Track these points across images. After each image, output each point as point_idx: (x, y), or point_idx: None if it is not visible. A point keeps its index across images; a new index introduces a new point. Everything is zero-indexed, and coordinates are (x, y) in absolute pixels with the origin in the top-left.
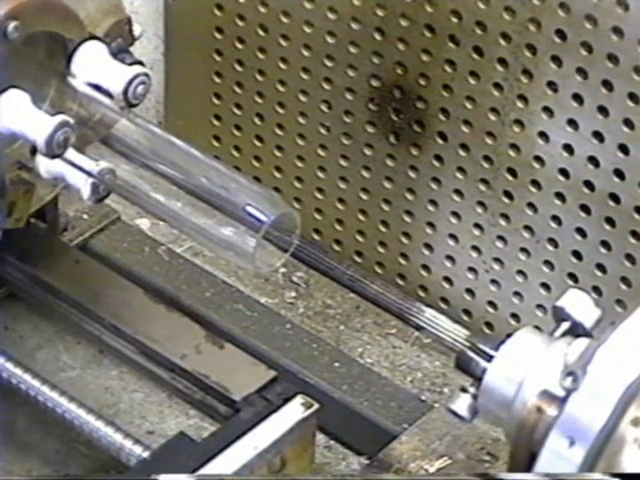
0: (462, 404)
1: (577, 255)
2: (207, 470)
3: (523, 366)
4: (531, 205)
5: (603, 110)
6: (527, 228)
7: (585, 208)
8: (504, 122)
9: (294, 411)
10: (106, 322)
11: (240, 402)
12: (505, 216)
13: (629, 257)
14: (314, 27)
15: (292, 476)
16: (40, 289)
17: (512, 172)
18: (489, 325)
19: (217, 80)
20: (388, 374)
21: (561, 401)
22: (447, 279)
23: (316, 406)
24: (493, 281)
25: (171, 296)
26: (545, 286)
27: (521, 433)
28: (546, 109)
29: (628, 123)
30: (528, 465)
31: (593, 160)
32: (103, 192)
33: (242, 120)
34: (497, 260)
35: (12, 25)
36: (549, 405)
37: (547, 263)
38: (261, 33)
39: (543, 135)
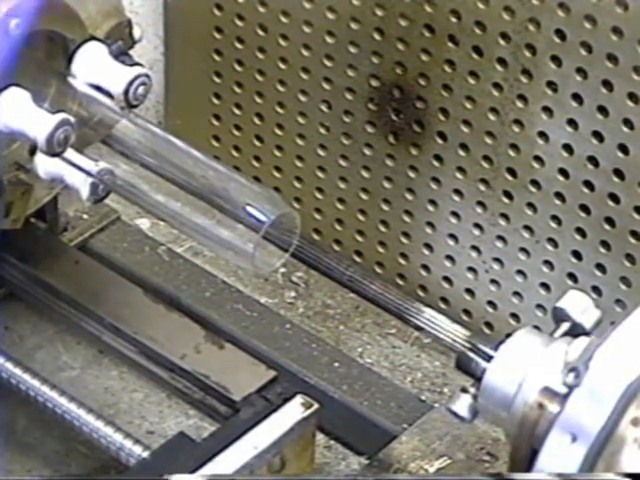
0: (462, 404)
1: (577, 255)
2: (207, 470)
3: (523, 366)
4: (531, 205)
5: (603, 110)
6: (527, 228)
7: (585, 208)
8: (504, 122)
9: (294, 411)
10: (106, 322)
11: (240, 402)
12: (505, 216)
13: (629, 257)
14: (313, 27)
15: (292, 476)
16: (40, 289)
17: (512, 172)
18: (489, 325)
19: (217, 80)
20: (388, 374)
21: (563, 398)
22: (447, 279)
23: (316, 406)
24: (493, 281)
25: (171, 296)
26: (545, 286)
27: (522, 429)
28: (546, 109)
29: (628, 123)
30: (529, 462)
31: (593, 160)
32: (102, 192)
33: (242, 120)
34: (497, 260)
35: (14, 22)
36: (551, 401)
37: (547, 263)
38: (260, 33)
39: (543, 135)
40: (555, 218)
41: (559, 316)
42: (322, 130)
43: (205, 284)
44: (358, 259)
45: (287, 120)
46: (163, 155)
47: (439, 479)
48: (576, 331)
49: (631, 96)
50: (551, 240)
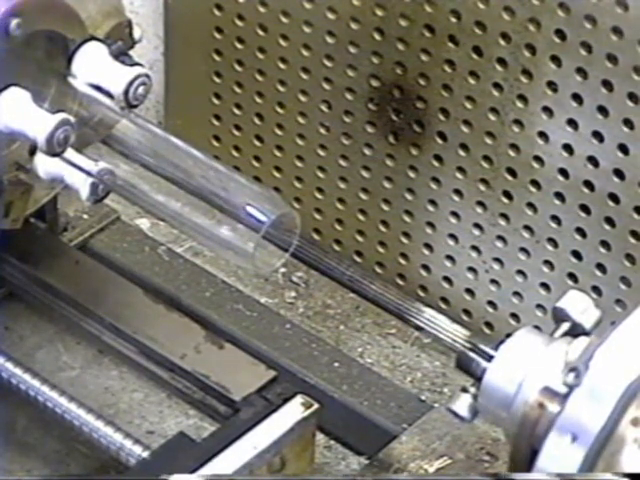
0: (462, 404)
1: (577, 255)
2: (207, 470)
3: (523, 366)
4: (531, 205)
5: (603, 110)
6: (527, 228)
7: (585, 208)
8: (504, 122)
9: (294, 411)
10: (106, 322)
11: (240, 402)
12: (505, 216)
13: (629, 257)
14: (313, 27)
15: (292, 476)
16: (40, 289)
17: (512, 172)
18: (489, 325)
19: (217, 80)
20: (388, 374)
21: (563, 397)
22: (447, 279)
23: (316, 406)
24: (493, 281)
25: (171, 296)
26: (545, 286)
27: (523, 429)
28: (546, 109)
29: (628, 123)
30: (529, 462)
31: (593, 160)
32: (102, 192)
33: (242, 120)
34: (497, 260)
35: (14, 22)
36: (551, 401)
37: (547, 263)
38: (261, 33)
39: (543, 135)
40: (555, 218)
41: (559, 316)
42: (322, 130)
43: (205, 284)
44: (358, 259)
45: (287, 120)
46: (163, 155)
47: (439, 479)
48: (576, 331)
49: (631, 96)
50: (551, 240)
